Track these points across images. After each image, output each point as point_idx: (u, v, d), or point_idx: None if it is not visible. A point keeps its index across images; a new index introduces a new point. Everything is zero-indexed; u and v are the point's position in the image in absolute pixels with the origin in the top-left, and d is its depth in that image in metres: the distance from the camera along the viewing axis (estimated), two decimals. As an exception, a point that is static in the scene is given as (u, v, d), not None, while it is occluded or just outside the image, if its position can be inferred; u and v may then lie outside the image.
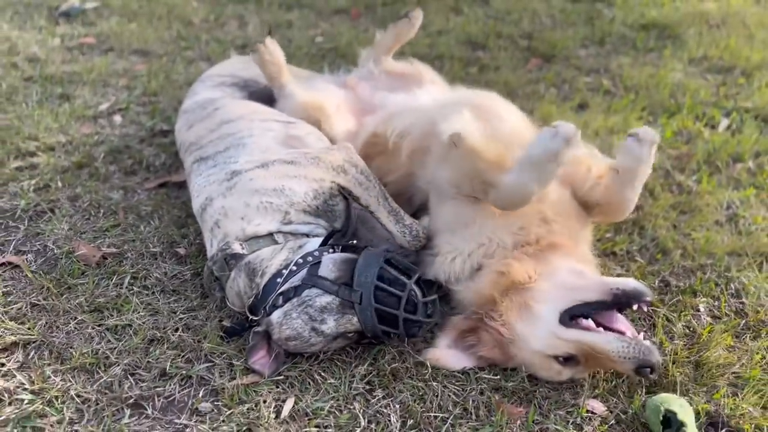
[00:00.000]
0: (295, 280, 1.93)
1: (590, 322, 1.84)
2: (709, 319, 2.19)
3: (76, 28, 4.38)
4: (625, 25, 4.84)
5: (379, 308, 1.85)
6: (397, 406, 1.82)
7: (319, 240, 2.08)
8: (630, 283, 1.85)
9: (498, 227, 2.05)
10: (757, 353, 2.03)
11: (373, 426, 1.77)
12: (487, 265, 2.01)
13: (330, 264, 1.95)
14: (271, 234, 2.07)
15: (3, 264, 2.28)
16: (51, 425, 1.73)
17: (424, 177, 2.32)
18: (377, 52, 3.07)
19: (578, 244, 2.11)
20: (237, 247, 2.03)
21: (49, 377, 1.86)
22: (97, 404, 1.80)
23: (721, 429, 1.81)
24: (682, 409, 1.74)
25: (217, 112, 2.54)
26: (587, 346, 1.80)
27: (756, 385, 1.93)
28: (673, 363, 1.98)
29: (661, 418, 1.74)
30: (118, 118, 3.27)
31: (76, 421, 1.75)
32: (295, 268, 1.95)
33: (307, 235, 2.12)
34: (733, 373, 1.98)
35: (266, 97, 2.83)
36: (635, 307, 1.82)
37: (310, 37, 4.47)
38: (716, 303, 2.26)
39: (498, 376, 1.93)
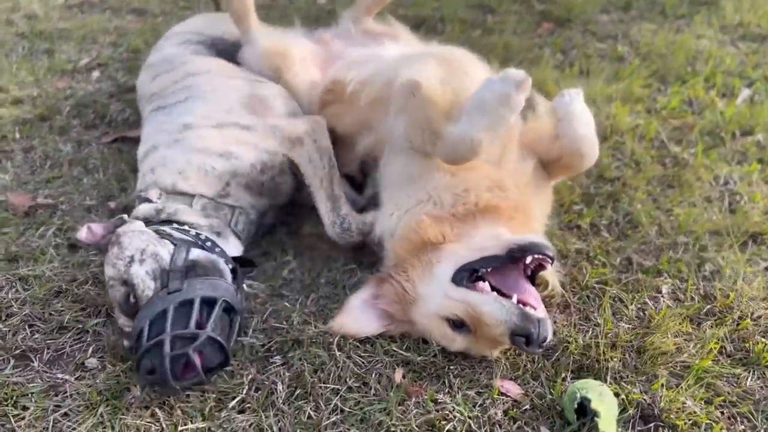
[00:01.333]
0: (174, 235, 1.83)
1: (485, 285, 1.66)
2: (669, 302, 1.94)
3: (83, -12, 4.38)
4: (656, -10, 4.45)
5: (166, 312, 1.61)
6: (287, 374, 1.68)
7: (233, 248, 1.96)
8: (528, 237, 1.68)
9: (441, 186, 1.87)
10: (713, 342, 1.78)
11: (254, 393, 1.63)
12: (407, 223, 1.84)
13: (203, 254, 1.79)
14: (194, 196, 1.96)
15: (-60, 211, 2.27)
16: (-71, 371, 1.68)
17: (379, 129, 2.15)
18: (357, 11, 2.90)
19: (529, 217, 1.89)
20: (153, 195, 1.93)
21: (-55, 323, 1.82)
22: (-15, 354, 1.75)
23: (651, 423, 1.59)
24: (600, 398, 1.53)
25: (183, 66, 2.45)
26: (470, 306, 1.62)
27: (703, 377, 1.68)
28: (612, 347, 1.76)
29: (576, 405, 1.53)
30: (95, 74, 3.23)
31: (-40, 368, 1.70)
32: (191, 235, 1.84)
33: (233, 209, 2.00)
34: (680, 362, 1.73)
35: (233, 56, 2.71)
36: (529, 260, 1.63)
37: (313, 0, 4.32)
38: (683, 285, 2.00)
39: (409, 352, 1.76)
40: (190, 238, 1.82)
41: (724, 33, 3.80)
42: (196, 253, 1.77)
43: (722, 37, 3.75)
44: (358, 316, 1.80)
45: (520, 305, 1.59)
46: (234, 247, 1.96)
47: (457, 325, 1.67)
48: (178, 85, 2.32)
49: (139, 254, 1.72)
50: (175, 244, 1.78)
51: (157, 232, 1.82)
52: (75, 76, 3.19)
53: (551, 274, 1.90)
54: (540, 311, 1.60)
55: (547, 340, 1.58)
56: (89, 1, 4.13)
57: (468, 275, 1.67)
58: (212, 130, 2.08)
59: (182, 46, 2.69)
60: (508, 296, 1.62)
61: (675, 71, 3.29)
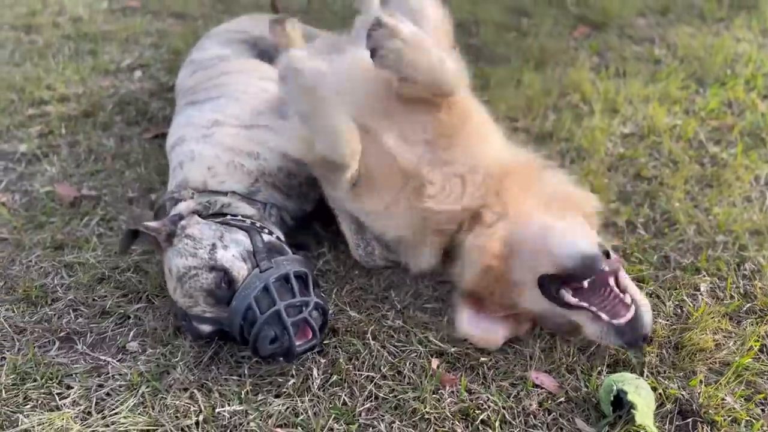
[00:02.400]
0: (236, 224, 1.84)
1: (572, 299, 1.63)
2: (708, 300, 1.91)
3: (126, -7, 4.51)
4: (694, -6, 4.41)
5: (269, 287, 1.64)
6: (322, 362, 1.70)
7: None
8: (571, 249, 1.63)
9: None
10: (753, 339, 1.74)
11: (290, 378, 1.65)
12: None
13: (273, 238, 1.84)
14: (227, 193, 1.96)
15: (-12, 201, 2.35)
16: (-21, 350, 1.74)
17: None
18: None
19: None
20: (185, 195, 1.93)
21: (-6, 306, 1.88)
22: (31, 335, 1.80)
23: (689, 418, 1.56)
24: (637, 390, 1.51)
25: (220, 64, 2.50)
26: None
27: (742, 374, 1.65)
28: (649, 342, 1.74)
29: (612, 397, 1.52)
30: (138, 73, 3.31)
31: (7, 348, 1.76)
32: (248, 222, 1.88)
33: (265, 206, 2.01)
34: (719, 359, 1.71)
35: (273, 56, 2.74)
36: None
37: (349, 3, 4.37)
38: (722, 284, 1.97)
39: (443, 343, 1.76)
40: (250, 225, 1.85)
41: (765, 36, 3.74)
42: (267, 237, 1.81)
43: (762, 40, 3.69)
44: (480, 329, 1.74)
45: (612, 321, 1.57)
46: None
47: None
48: (211, 82, 2.36)
49: (219, 241, 1.74)
50: (244, 230, 1.81)
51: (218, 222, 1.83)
52: (118, 76, 3.28)
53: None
54: (629, 311, 1.58)
55: (647, 331, 1.59)
56: (131, 6, 4.24)
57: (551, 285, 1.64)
58: (241, 129, 2.09)
59: (225, 44, 2.73)
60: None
61: (714, 73, 3.25)
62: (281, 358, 1.67)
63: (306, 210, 2.14)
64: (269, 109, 2.22)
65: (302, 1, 4.38)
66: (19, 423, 1.53)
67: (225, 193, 1.96)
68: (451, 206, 1.75)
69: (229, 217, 1.89)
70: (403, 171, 1.77)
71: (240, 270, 1.70)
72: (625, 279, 1.67)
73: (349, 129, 1.72)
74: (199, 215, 1.86)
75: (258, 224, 1.90)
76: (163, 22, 4.00)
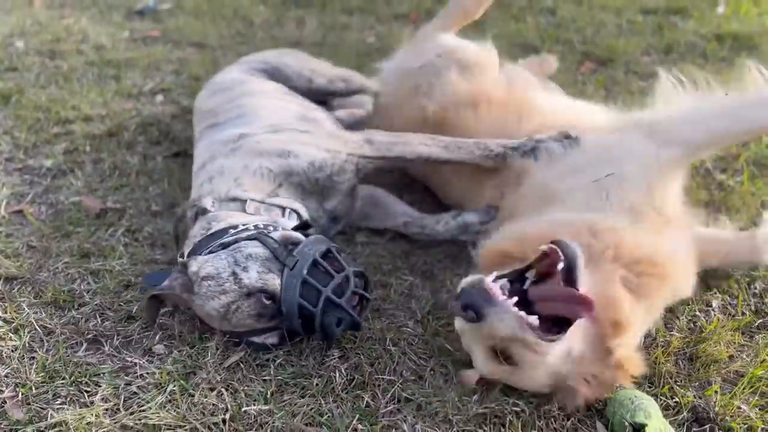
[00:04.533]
0: (243, 236, 1.81)
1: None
2: (721, 315, 1.96)
3: (146, 24, 4.66)
4: (697, 35, 4.55)
5: (307, 280, 1.69)
6: (344, 366, 1.73)
7: (293, 223, 2.00)
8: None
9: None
10: (766, 352, 1.79)
11: (314, 380, 1.69)
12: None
13: (283, 233, 1.84)
14: (246, 201, 1.98)
15: (17, 212, 2.41)
16: (10, 349, 1.78)
17: None
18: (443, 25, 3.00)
19: None
20: (207, 203, 1.97)
21: (23, 309, 1.92)
22: (60, 336, 1.84)
23: (706, 425, 1.60)
24: (636, 411, 1.53)
25: (241, 86, 2.55)
26: None
27: (756, 385, 1.69)
28: (665, 353, 1.78)
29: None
30: (159, 98, 3.41)
31: (36, 348, 1.80)
32: (252, 228, 1.85)
33: (283, 210, 2.03)
34: (733, 370, 1.75)
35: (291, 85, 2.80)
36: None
37: (363, 38, 4.52)
38: (733, 301, 2.02)
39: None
40: (255, 231, 1.85)
41: None
42: (277, 234, 1.81)
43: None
44: None
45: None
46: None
47: None
48: (231, 104, 2.40)
49: (237, 267, 1.72)
50: (251, 239, 1.80)
51: (224, 247, 1.80)
52: (140, 99, 3.38)
53: None
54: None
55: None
56: (152, 36, 4.38)
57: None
58: (270, 134, 2.12)
59: (246, 72, 2.81)
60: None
61: (718, 107, 3.35)
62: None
63: (327, 209, 2.16)
64: (294, 119, 2.28)
65: (317, 35, 4.53)
66: (49, 418, 1.56)
67: (245, 201, 1.98)
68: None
69: (230, 231, 1.85)
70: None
71: (272, 280, 1.72)
72: None
73: None
74: (201, 248, 1.83)
75: (261, 225, 1.88)
76: (183, 51, 4.13)
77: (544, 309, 1.51)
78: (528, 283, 1.57)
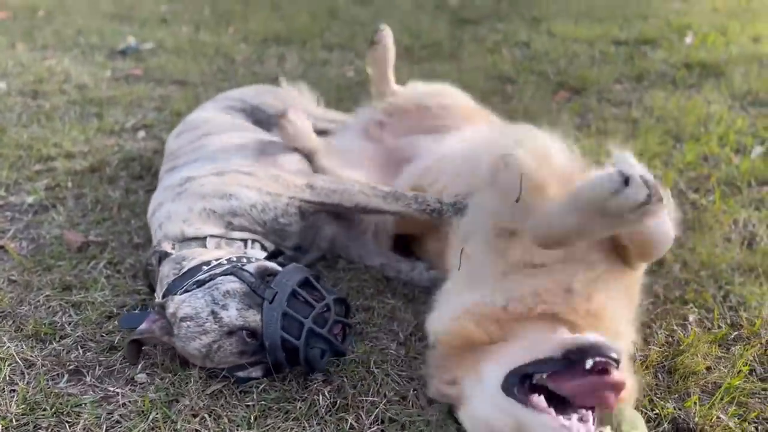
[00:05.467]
0: (218, 272, 1.82)
1: (539, 399, 1.40)
2: (697, 329, 1.99)
3: (129, 63, 4.72)
4: (666, 64, 4.70)
5: (287, 312, 1.70)
6: (327, 389, 1.74)
7: (262, 253, 2.02)
8: (589, 338, 1.42)
9: (506, 287, 1.64)
10: (742, 363, 1.82)
11: (298, 404, 1.69)
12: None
13: (257, 264, 1.85)
14: (206, 237, 2.01)
15: (-2, 248, 2.41)
16: (-10, 382, 1.77)
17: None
18: (379, 89, 2.89)
19: (600, 319, 1.59)
20: (167, 246, 1.97)
21: (3, 342, 1.91)
22: (41, 368, 1.83)
23: (686, 436, 1.62)
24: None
25: (205, 125, 2.56)
26: (519, 425, 1.41)
27: (734, 394, 1.72)
28: (644, 367, 1.81)
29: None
30: (141, 134, 3.45)
31: (17, 381, 1.78)
32: (225, 261, 1.86)
33: (245, 242, 2.06)
34: (711, 381, 1.78)
35: (270, 126, 2.78)
36: (590, 364, 1.36)
37: (343, 73, 4.61)
38: (709, 315, 2.06)
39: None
40: (228, 265, 1.86)
41: (734, 99, 3.99)
42: (252, 266, 1.83)
43: (732, 102, 3.93)
44: None
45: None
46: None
47: None
48: (192, 146, 2.40)
49: (215, 305, 1.72)
50: (226, 273, 1.81)
51: (199, 284, 1.80)
52: (122, 135, 3.41)
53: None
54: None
55: None
56: (134, 74, 4.44)
57: (519, 382, 1.44)
58: (213, 177, 2.13)
59: (222, 110, 2.81)
60: (569, 409, 1.39)
61: (689, 131, 3.45)
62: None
63: (288, 246, 2.18)
64: (245, 158, 2.27)
65: (298, 70, 4.62)
66: (30, 449, 1.55)
67: (203, 238, 2.00)
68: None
69: (203, 268, 1.85)
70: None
71: (253, 316, 1.72)
72: None
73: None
74: (176, 287, 1.83)
75: (235, 258, 1.90)
76: (165, 88, 4.19)
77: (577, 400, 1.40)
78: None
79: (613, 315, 1.61)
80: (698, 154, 3.17)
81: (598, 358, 1.37)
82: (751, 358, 1.86)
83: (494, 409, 1.46)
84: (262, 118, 2.85)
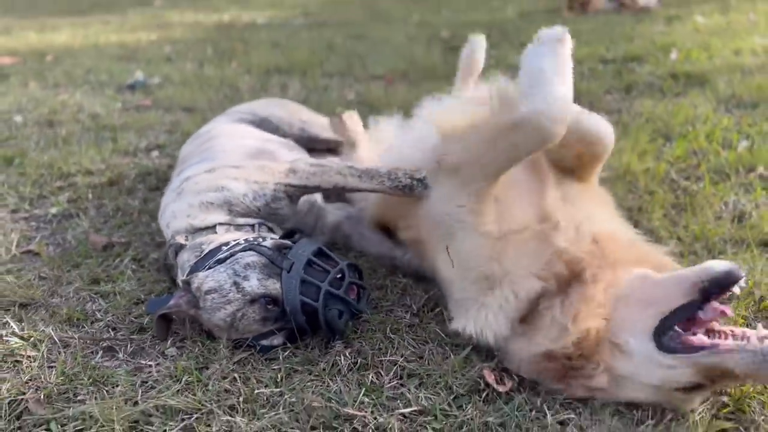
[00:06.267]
0: (237, 250, 1.94)
1: (703, 338, 1.48)
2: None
3: (138, 96, 4.92)
4: (653, 75, 4.91)
5: (305, 278, 1.82)
6: (348, 351, 1.85)
7: (273, 235, 2.14)
8: (713, 267, 1.48)
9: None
10: (740, 320, 1.93)
11: (321, 364, 1.80)
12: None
13: (274, 241, 1.98)
14: (215, 225, 2.11)
15: (27, 252, 2.53)
16: (29, 358, 1.87)
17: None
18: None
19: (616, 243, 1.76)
20: (180, 239, 2.09)
21: (39, 327, 2.02)
22: (76, 347, 1.94)
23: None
24: None
25: (210, 132, 2.72)
26: (709, 368, 1.46)
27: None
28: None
29: None
30: (155, 153, 3.61)
31: (53, 359, 1.89)
32: (243, 241, 1.99)
33: (252, 226, 2.16)
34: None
35: (279, 135, 2.91)
36: (738, 291, 1.48)
37: (344, 95, 4.81)
38: (705, 280, 2.17)
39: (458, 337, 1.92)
40: (246, 243, 1.99)
41: (719, 103, 4.17)
42: (269, 242, 1.97)
43: (717, 105, 4.11)
44: None
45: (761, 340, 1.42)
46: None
47: (691, 388, 1.52)
48: (199, 149, 2.54)
49: (237, 277, 1.85)
50: (246, 249, 1.94)
51: (220, 262, 1.93)
52: (137, 155, 3.58)
53: None
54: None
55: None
56: (144, 105, 4.63)
57: (669, 336, 1.51)
58: (205, 174, 2.24)
59: (235, 122, 2.98)
60: (723, 334, 1.49)
61: (677, 130, 3.61)
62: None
63: (287, 228, 2.27)
64: (243, 157, 2.39)
65: (300, 96, 4.81)
66: (71, 411, 1.65)
67: (213, 226, 2.11)
68: (574, 250, 1.71)
69: (222, 248, 1.98)
70: (543, 209, 1.81)
71: (273, 285, 1.86)
72: None
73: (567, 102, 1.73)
74: (200, 266, 1.95)
75: (251, 237, 2.03)
76: (174, 115, 4.37)
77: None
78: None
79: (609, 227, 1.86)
80: (687, 149, 3.33)
81: (735, 285, 1.47)
82: (746, 314, 1.97)
83: (668, 370, 1.49)
84: (270, 129, 2.99)
